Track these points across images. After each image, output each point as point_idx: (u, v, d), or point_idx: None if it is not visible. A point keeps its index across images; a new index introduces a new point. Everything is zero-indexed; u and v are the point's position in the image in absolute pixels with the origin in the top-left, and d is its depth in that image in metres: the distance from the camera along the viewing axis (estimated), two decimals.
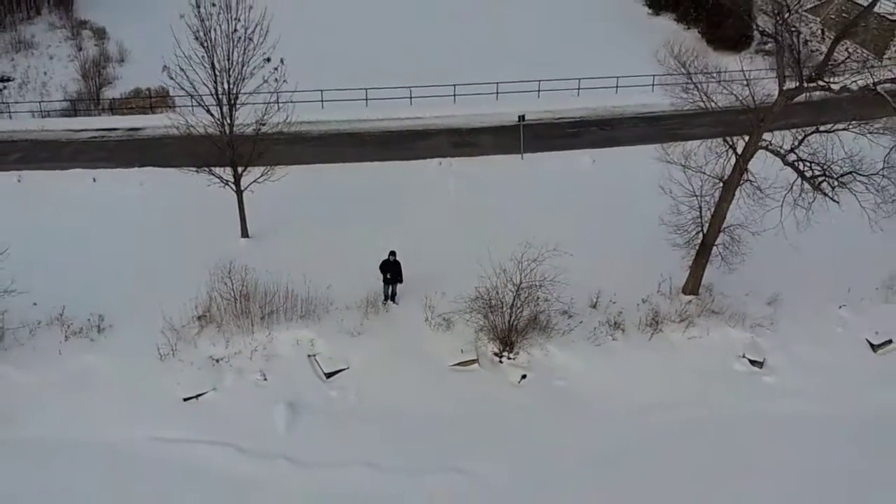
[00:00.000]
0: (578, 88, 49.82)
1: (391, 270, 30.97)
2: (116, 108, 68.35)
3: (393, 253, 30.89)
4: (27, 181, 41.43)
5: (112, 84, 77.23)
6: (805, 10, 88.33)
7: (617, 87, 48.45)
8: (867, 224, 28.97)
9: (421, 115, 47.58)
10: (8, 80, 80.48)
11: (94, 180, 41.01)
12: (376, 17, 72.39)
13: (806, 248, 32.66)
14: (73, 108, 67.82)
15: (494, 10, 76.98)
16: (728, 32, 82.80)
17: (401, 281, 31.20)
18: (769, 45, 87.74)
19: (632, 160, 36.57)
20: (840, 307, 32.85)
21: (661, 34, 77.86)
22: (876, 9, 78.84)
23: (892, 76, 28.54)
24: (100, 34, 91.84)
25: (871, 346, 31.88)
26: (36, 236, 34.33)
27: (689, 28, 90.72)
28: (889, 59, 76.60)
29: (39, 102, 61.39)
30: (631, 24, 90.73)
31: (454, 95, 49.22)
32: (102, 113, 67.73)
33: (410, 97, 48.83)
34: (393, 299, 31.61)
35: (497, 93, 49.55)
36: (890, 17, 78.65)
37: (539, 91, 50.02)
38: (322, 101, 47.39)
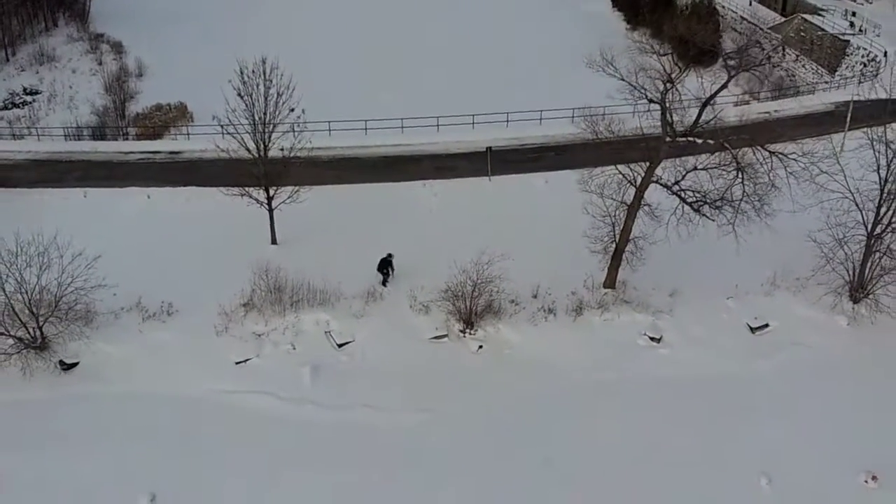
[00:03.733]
0: (541, 119, 62.11)
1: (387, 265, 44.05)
2: (141, 121, 79.51)
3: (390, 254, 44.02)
4: (92, 197, 53.88)
5: (134, 98, 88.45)
6: (768, 28, 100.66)
7: (573, 116, 58.28)
8: (755, 234, 41.05)
9: (410, 142, 60.13)
10: (37, 93, 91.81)
11: (149, 197, 53.51)
12: (374, 57, 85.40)
13: (707, 253, 44.68)
14: (103, 122, 78.80)
15: (479, 39, 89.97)
16: (696, 49, 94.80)
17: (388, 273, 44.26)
18: (734, 61, 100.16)
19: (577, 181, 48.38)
20: (728, 299, 44.73)
21: (636, 51, 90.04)
22: (829, 29, 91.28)
23: (734, 135, 40.24)
24: (117, 48, 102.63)
25: (751, 328, 43.60)
26: (108, 242, 44.94)
27: (662, 44, 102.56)
28: (840, 75, 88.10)
29: (74, 127, 71.98)
30: (611, 41, 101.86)
31: (437, 125, 61.65)
32: (129, 126, 79.13)
33: (402, 126, 61.35)
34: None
35: (473, 123, 62.04)
36: (841, 37, 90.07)
37: (508, 121, 62.53)
38: (329, 130, 59.69)
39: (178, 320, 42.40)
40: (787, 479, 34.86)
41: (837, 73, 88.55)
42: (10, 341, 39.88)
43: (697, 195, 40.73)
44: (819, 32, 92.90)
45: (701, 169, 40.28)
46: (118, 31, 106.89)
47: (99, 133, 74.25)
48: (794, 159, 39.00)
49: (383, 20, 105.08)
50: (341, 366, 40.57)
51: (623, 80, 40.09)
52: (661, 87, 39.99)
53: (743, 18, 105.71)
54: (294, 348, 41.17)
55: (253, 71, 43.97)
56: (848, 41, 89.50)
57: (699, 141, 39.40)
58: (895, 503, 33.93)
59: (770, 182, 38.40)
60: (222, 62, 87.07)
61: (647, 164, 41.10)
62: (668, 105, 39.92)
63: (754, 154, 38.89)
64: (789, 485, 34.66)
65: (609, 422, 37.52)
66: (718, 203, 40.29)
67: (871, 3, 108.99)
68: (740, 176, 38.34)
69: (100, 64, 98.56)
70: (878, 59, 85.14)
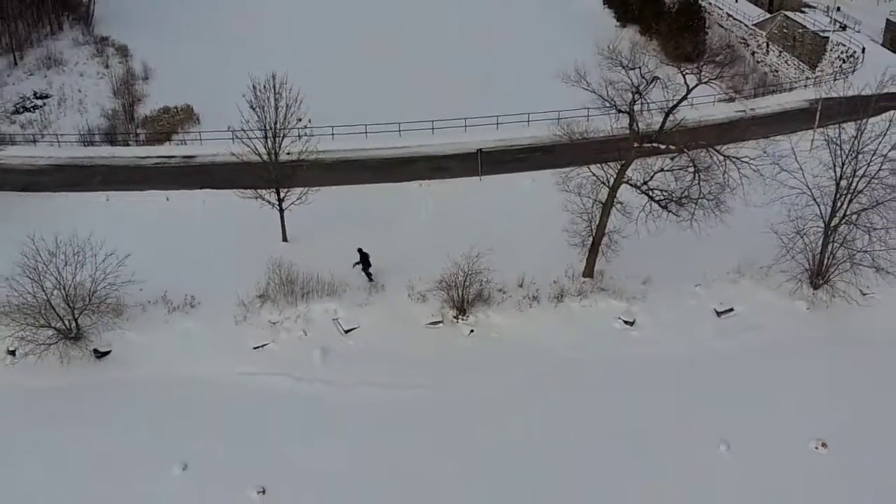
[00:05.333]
0: (528, 121, 67.82)
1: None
2: (150, 124, 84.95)
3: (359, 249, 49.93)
4: (114, 200, 59.60)
5: (141, 101, 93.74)
6: (753, 25, 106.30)
7: (559, 118, 63.38)
8: (722, 227, 46.42)
9: (407, 144, 66.14)
10: (47, 96, 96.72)
11: (167, 199, 59.28)
12: (370, 59, 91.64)
13: (678, 244, 50.02)
14: (113, 125, 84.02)
15: (471, 41, 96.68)
16: (682, 45, 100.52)
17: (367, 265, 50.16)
18: (719, 57, 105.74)
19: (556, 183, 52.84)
20: (696, 286, 50.24)
21: (625, 46, 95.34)
22: (810, 26, 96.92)
23: (694, 140, 45.89)
24: (122, 51, 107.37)
25: (717, 313, 49.12)
26: (132, 242, 49.51)
27: (650, 40, 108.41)
28: (821, 70, 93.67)
29: (86, 133, 77.86)
30: (600, 35, 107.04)
31: (433, 129, 67.44)
32: (138, 129, 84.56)
33: (399, 130, 67.17)
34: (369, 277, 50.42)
35: (465, 126, 67.85)
36: (822, 33, 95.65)
37: (498, 123, 68.40)
38: (332, 134, 65.45)
39: (201, 311, 48.12)
40: (744, 445, 40.05)
41: (818, 69, 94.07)
42: (50, 332, 45.00)
43: (664, 194, 46.52)
44: (800, 29, 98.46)
45: (667, 170, 46.06)
46: (122, 33, 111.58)
47: (110, 137, 79.51)
48: (746, 162, 44.84)
49: (378, 21, 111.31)
50: (348, 349, 46.40)
51: (595, 93, 45.85)
52: (629, 98, 45.76)
53: (729, 15, 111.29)
54: (305, 334, 46.94)
55: (265, 86, 49.79)
56: (828, 38, 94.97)
57: (662, 146, 45.22)
58: (842, 468, 38.92)
59: (725, 182, 44.21)
60: (224, 64, 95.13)
61: (620, 165, 46.92)
62: (635, 114, 45.71)
63: (711, 158, 44.66)
64: (746, 450, 39.84)
65: (587, 396, 43.00)
66: (683, 201, 46.06)
67: None
68: (697, 178, 44.20)
69: (106, 67, 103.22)
70: (856, 56, 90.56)
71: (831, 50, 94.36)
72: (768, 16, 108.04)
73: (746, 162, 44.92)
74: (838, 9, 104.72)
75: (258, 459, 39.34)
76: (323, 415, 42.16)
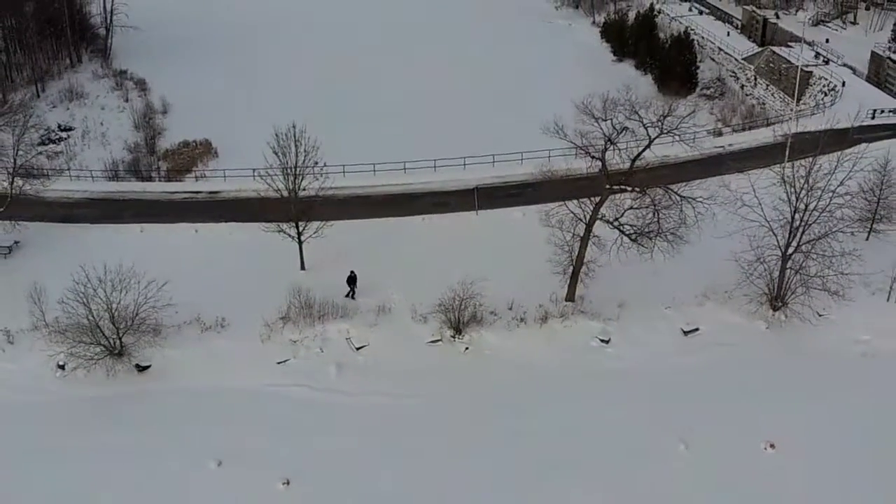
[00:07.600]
0: (522, 159, 76.21)
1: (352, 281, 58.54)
2: (171, 157, 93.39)
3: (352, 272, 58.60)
4: (147, 232, 68.13)
5: (161, 135, 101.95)
6: (742, 59, 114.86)
7: (549, 156, 70.35)
8: (690, 256, 55.32)
9: (412, 181, 74.77)
10: (70, 129, 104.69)
11: (196, 231, 67.83)
12: (380, 107, 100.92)
13: (650, 272, 58.04)
14: (136, 158, 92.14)
15: (475, 78, 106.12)
16: (675, 80, 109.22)
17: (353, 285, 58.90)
18: (710, 90, 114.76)
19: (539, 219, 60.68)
20: (666, 308, 58.26)
21: (621, 79, 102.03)
22: (794, 60, 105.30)
23: (654, 182, 54.53)
24: (141, 85, 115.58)
25: (683, 332, 57.25)
26: (165, 270, 56.59)
27: (645, 74, 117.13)
28: (804, 103, 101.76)
29: (113, 169, 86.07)
30: (598, 69, 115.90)
31: (434, 166, 76.06)
32: (160, 161, 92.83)
33: (405, 168, 75.98)
34: (353, 296, 58.96)
35: (465, 164, 76.50)
36: (805, 68, 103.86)
37: (494, 162, 77.10)
38: (344, 172, 73.78)
39: (230, 331, 56.44)
40: (701, 444, 47.69)
41: (802, 102, 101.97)
42: (97, 349, 52.99)
43: (633, 228, 55.16)
44: (785, 64, 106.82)
45: (635, 208, 54.73)
46: (139, 67, 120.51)
47: (135, 170, 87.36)
48: (700, 201, 53.50)
49: (380, 56, 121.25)
50: (359, 364, 54.78)
51: (572, 143, 54.54)
52: (602, 146, 54.54)
53: (720, 49, 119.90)
54: (322, 351, 55.33)
55: (286, 133, 58.80)
56: (811, 72, 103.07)
57: (629, 188, 53.93)
58: (788, 466, 46.41)
59: (682, 219, 52.89)
60: (239, 99, 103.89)
61: (595, 202, 55.55)
62: (606, 160, 54.47)
63: (670, 198, 53.30)
64: (702, 449, 47.51)
65: (567, 404, 51.18)
66: (650, 235, 54.68)
67: (845, 29, 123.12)
68: (657, 216, 52.89)
69: (126, 101, 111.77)
70: (836, 89, 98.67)
71: (814, 84, 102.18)
72: (757, 50, 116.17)
73: (701, 201, 53.52)
74: (826, 40, 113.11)
75: (282, 456, 47.27)
76: (338, 420, 50.33)
